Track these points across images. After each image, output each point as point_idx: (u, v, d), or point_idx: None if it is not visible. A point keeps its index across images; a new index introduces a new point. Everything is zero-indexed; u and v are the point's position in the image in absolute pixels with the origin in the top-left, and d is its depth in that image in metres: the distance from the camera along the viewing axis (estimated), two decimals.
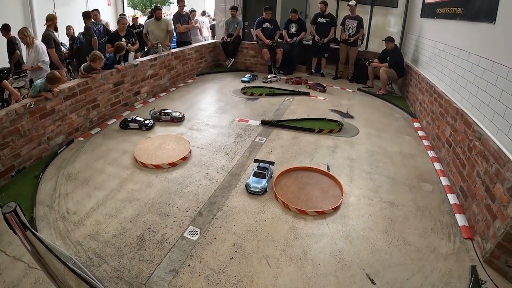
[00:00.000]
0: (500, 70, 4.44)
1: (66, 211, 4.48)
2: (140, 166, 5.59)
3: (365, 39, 11.71)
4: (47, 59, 7.71)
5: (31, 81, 7.20)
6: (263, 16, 11.35)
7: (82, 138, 6.53)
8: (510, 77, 4.17)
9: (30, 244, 2.29)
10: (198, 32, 12.96)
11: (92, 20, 9.96)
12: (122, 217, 4.37)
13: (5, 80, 5.93)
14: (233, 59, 12.32)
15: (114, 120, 7.40)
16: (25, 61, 8.37)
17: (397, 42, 9.93)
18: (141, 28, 10.71)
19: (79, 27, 10.43)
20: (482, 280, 3.59)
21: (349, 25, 10.67)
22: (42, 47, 7.72)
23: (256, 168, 5.22)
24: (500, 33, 4.71)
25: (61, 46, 9.54)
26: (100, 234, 4.08)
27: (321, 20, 11.00)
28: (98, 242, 3.96)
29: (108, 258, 3.74)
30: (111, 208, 4.57)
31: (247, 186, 4.94)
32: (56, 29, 8.73)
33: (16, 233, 2.22)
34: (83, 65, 7.09)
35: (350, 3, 10.45)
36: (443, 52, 6.94)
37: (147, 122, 6.92)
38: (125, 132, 6.80)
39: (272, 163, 5.35)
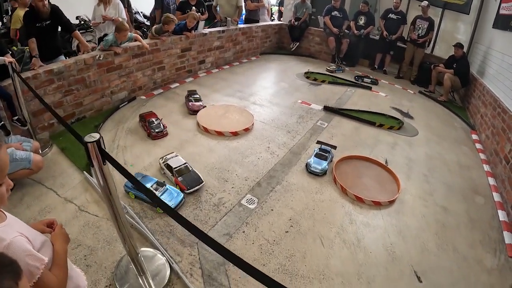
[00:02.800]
0: None
1: (124, 162, 4.74)
2: (202, 130, 5.79)
3: (432, 43, 11.51)
4: (125, 16, 7.93)
5: (100, 39, 7.40)
6: (333, 3, 11.26)
7: (144, 97, 6.77)
8: None
9: (104, 178, 2.38)
10: (266, 12, 12.96)
11: None
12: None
13: (76, 31, 6.15)
14: (298, 43, 12.31)
15: (177, 84, 7.60)
16: (91, 18, 8.62)
17: (464, 50, 9.72)
18: (212, 1, 10.83)
19: None
20: None
21: (420, 26, 10.44)
22: (120, 5, 7.93)
23: (318, 150, 5.34)
24: None
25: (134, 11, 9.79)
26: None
27: (391, 16, 10.83)
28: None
29: (162, 212, 3.91)
30: None
31: (307, 166, 5.07)
32: None
33: (92, 165, 2.29)
34: (154, 27, 7.31)
35: (422, 3, 10.21)
36: None
37: None
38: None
39: (335, 147, 5.49)
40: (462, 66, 9.22)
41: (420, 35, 10.49)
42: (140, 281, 3.07)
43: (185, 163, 4.62)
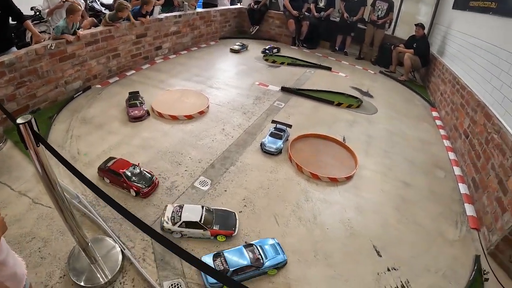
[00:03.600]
0: None
1: (77, 152, 4.55)
2: (157, 115, 5.63)
3: (392, 24, 11.53)
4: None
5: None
6: None
7: (99, 86, 6.55)
8: None
9: (40, 163, 2.26)
10: None
11: None
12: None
13: (28, 21, 5.86)
14: (258, 27, 12.18)
15: (133, 71, 7.40)
16: (42, 7, 8.30)
17: (425, 31, 9.78)
18: None
19: None
20: (485, 271, 3.61)
21: (379, 7, 10.44)
22: None
23: (273, 129, 5.25)
24: None
25: None
26: None
27: None
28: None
29: (115, 199, 3.70)
30: (123, 152, 4.62)
31: (262, 145, 4.98)
32: None
33: (27, 147, 2.18)
34: (108, 13, 7.05)
35: None
36: (471, 45, 6.85)
37: None
38: (144, 84, 6.82)
39: (290, 126, 5.40)
40: (422, 46, 9.27)
41: (379, 16, 10.49)
42: (94, 269, 3.02)
43: (202, 206, 3.68)
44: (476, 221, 4.29)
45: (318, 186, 4.42)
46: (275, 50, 10.00)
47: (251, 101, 6.60)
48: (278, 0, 12.23)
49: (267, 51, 9.86)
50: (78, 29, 6.16)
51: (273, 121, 5.51)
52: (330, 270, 3.35)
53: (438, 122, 7.05)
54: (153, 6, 7.98)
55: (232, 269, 3.07)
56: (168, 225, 3.43)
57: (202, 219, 3.47)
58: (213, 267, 3.03)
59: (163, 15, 8.45)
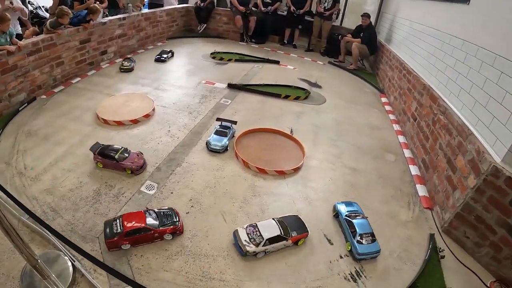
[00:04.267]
0: (470, 48, 4.54)
1: (24, 167, 4.35)
2: (102, 123, 5.46)
3: (340, 15, 11.64)
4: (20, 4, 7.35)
5: None
6: None
7: (44, 96, 6.29)
8: (479, 55, 4.25)
9: None
10: None
11: None
12: (80, 172, 4.29)
13: None
14: (205, 25, 12.07)
15: (79, 78, 7.18)
16: None
17: (372, 20, 9.92)
18: None
19: None
20: (440, 248, 3.66)
21: None
22: None
23: (218, 127, 5.19)
24: (472, 13, 4.81)
25: (29, 5, 9.20)
26: (56, 189, 4.00)
27: None
28: (54, 196, 3.88)
29: (63, 212, 3.67)
30: (69, 163, 4.47)
31: (207, 144, 4.91)
32: None
33: None
34: (49, 20, 6.80)
35: None
36: (416, 31, 7.04)
37: None
38: (90, 91, 6.60)
39: (235, 123, 5.33)
40: (369, 35, 9.44)
41: (326, 8, 10.55)
42: (47, 284, 2.87)
43: (273, 219, 3.63)
44: (429, 201, 4.38)
45: (265, 180, 4.39)
46: (168, 55, 9.09)
47: (197, 100, 6.50)
48: None
49: (162, 58, 8.81)
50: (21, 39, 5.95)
51: (218, 119, 5.45)
52: (281, 263, 3.31)
53: (388, 108, 7.16)
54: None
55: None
56: (252, 248, 3.30)
57: (281, 231, 3.43)
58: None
59: (107, 19, 8.24)
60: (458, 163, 3.96)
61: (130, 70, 7.83)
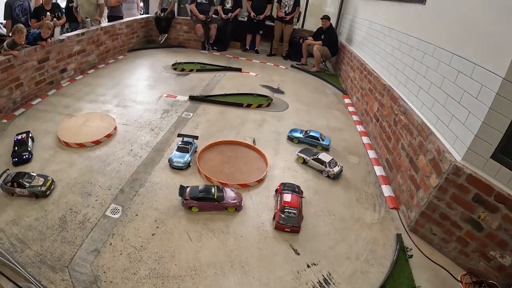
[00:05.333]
0: (427, 48, 4.63)
1: None
2: (63, 145, 5.30)
3: (301, 18, 11.73)
4: None
5: None
6: None
7: (5, 120, 6.11)
8: (436, 55, 4.34)
9: None
10: (135, 6, 12.54)
11: None
12: (44, 200, 4.16)
13: None
14: (166, 35, 11.97)
15: (39, 99, 7.03)
16: None
17: (333, 22, 10.08)
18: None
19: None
20: (408, 248, 3.71)
21: (286, 3, 10.59)
22: None
23: (180, 143, 5.13)
24: (429, 13, 4.91)
25: None
26: (22, 219, 3.89)
27: None
28: (20, 227, 3.76)
29: (31, 242, 3.58)
30: None
31: (170, 161, 4.85)
32: None
33: None
34: (6, 41, 6.68)
35: None
36: (375, 31, 7.15)
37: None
38: (49, 112, 6.43)
39: (196, 138, 5.28)
40: (330, 36, 9.59)
41: (287, 12, 10.62)
42: None
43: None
44: (394, 201, 4.44)
45: None
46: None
47: (159, 115, 6.40)
48: (186, 5, 12.11)
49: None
50: None
51: (179, 135, 5.38)
52: (248, 277, 3.30)
53: (351, 109, 7.25)
54: (54, 27, 7.66)
55: None
56: None
57: None
58: None
59: (65, 35, 8.10)
60: (420, 163, 4.04)
61: None
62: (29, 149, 4.92)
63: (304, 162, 5.08)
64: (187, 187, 4.18)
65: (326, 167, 4.82)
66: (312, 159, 4.99)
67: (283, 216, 3.85)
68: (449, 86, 3.91)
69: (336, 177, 4.76)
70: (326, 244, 3.68)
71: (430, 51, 4.51)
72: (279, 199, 4.11)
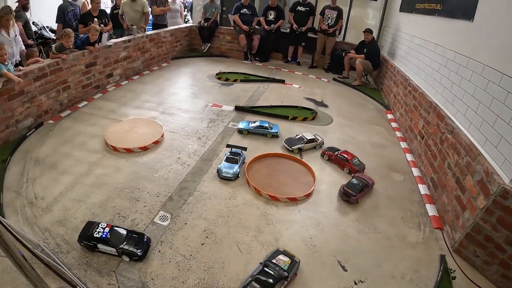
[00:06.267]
0: (475, 66, 4.53)
1: (34, 197, 4.32)
2: (111, 149, 5.43)
3: (343, 30, 11.71)
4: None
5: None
6: (241, 1, 11.21)
7: (51, 121, 6.31)
8: (485, 74, 4.25)
9: None
10: (179, 15, 12.74)
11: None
12: (91, 202, 4.25)
13: None
14: (209, 44, 12.15)
15: (85, 102, 7.21)
16: None
17: (374, 35, 9.98)
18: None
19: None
20: (451, 269, 3.66)
21: (329, 15, 10.62)
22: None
23: (229, 153, 5.18)
24: (477, 31, 4.80)
25: (33, 25, 9.25)
26: (68, 220, 3.96)
27: (300, 8, 10.92)
28: (66, 228, 3.84)
29: (77, 244, 3.61)
30: (79, 193, 4.43)
31: (218, 171, 4.89)
32: (25, 8, 8.37)
33: None
34: (54, 45, 6.87)
35: None
36: (420, 47, 7.04)
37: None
38: (95, 116, 6.60)
39: (245, 149, 5.32)
40: (372, 50, 9.50)
41: (329, 24, 10.64)
42: None
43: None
44: (439, 221, 4.37)
45: (277, 207, 4.37)
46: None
47: (205, 124, 6.47)
48: (228, 15, 12.24)
49: None
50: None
51: (228, 145, 5.41)
52: None
53: (394, 124, 7.17)
54: (101, 33, 7.85)
55: None
56: None
57: None
58: None
59: (111, 41, 8.30)
60: (467, 183, 3.97)
61: None
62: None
63: (300, 150, 5.67)
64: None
65: (317, 141, 5.81)
66: (305, 143, 5.71)
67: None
68: (498, 107, 3.86)
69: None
70: (372, 262, 3.66)
71: (478, 70, 4.44)
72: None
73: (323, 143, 5.95)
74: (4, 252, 2.30)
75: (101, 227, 3.62)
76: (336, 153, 5.51)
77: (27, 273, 2.44)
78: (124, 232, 3.65)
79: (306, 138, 5.77)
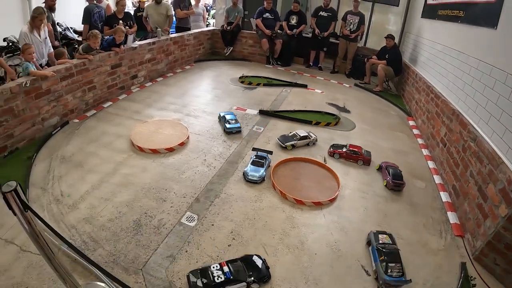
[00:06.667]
0: (499, 75, 4.53)
1: (60, 194, 4.44)
2: (137, 150, 5.55)
3: (364, 36, 11.70)
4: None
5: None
6: (264, 6, 11.28)
7: (77, 120, 6.46)
8: (509, 82, 4.25)
9: (29, 225, 2.25)
10: (201, 18, 12.86)
11: (94, 1, 9.74)
12: (118, 201, 4.36)
13: (0, 58, 5.85)
14: (232, 48, 12.24)
15: (110, 103, 7.35)
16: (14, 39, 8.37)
17: (396, 40, 9.94)
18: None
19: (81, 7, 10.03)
20: (471, 276, 3.68)
21: (351, 21, 10.65)
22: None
23: (254, 157, 5.25)
24: (501, 39, 4.78)
25: (58, 26, 9.40)
26: (95, 218, 4.06)
27: (322, 13, 10.96)
28: (93, 226, 3.94)
29: (104, 242, 3.72)
30: (106, 192, 4.54)
31: (245, 174, 4.97)
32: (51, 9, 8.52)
33: (15, 214, 2.16)
34: (81, 45, 7.03)
35: None
36: (442, 53, 7.00)
37: None
38: (120, 116, 6.75)
39: (271, 153, 5.40)
40: (394, 56, 9.47)
41: (351, 30, 10.67)
42: None
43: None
44: (460, 228, 4.39)
45: (303, 211, 4.42)
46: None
47: None
48: (250, 19, 12.32)
49: None
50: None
51: (254, 149, 5.51)
52: None
53: (416, 131, 7.17)
54: (126, 35, 7.99)
55: None
56: None
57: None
58: None
59: (136, 43, 8.44)
60: (489, 192, 3.98)
61: None
62: None
63: (293, 146, 5.93)
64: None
65: (310, 138, 6.08)
66: (298, 140, 5.99)
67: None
68: None
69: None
70: None
71: (502, 78, 4.43)
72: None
73: (316, 140, 6.19)
74: (35, 244, 2.39)
75: (216, 269, 3.37)
76: (345, 149, 5.79)
77: (56, 267, 2.52)
78: (238, 262, 3.52)
79: (300, 135, 6.03)
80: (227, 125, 6.27)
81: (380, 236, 3.89)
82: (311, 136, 6.10)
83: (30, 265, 3.42)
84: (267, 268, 3.50)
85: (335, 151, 5.75)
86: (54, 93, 5.98)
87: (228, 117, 6.51)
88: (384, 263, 3.50)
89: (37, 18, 6.55)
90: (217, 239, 3.89)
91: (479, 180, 4.27)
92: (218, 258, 3.63)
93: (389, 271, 3.45)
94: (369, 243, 3.93)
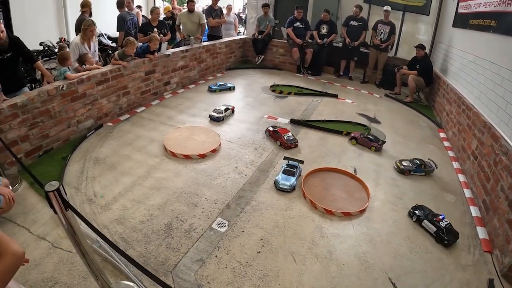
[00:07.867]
0: None
1: (93, 194, 4.61)
2: (169, 155, 5.69)
3: (394, 46, 11.66)
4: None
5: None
6: (295, 15, 11.36)
7: (111, 124, 6.65)
8: None
9: (68, 223, 2.36)
10: (233, 27, 13.03)
11: (126, 9, 9.98)
12: (150, 204, 4.48)
13: (38, 61, 6.08)
14: (263, 56, 12.36)
15: (143, 108, 7.52)
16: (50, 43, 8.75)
17: (426, 50, 9.85)
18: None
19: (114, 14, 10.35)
20: None
21: (382, 30, 10.63)
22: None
23: (286, 166, 5.31)
24: None
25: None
26: (127, 219, 4.18)
27: (353, 23, 10.99)
28: (124, 227, 4.06)
29: (135, 243, 3.83)
30: (138, 194, 4.68)
31: (276, 183, 5.03)
32: (90, 15, 8.76)
33: (56, 212, 2.28)
34: (117, 52, 7.22)
35: (385, 8, 10.44)
36: (473, 64, 6.91)
37: None
38: (153, 121, 6.93)
39: (302, 162, 5.44)
40: (425, 66, 9.40)
41: (382, 39, 10.66)
42: None
43: None
44: (489, 244, 4.32)
45: (332, 221, 4.45)
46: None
47: (261, 136, 6.62)
48: (281, 28, 12.41)
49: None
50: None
51: (285, 158, 5.55)
52: None
53: (446, 144, 7.09)
54: (160, 43, 8.15)
55: None
56: None
57: None
58: None
59: (170, 51, 8.61)
60: None
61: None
62: None
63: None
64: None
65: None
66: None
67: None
68: None
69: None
70: (422, 282, 3.67)
71: None
72: None
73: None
74: (72, 241, 2.50)
75: None
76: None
77: (90, 264, 2.63)
78: None
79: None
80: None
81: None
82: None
83: (61, 262, 3.54)
84: None
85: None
86: (90, 97, 6.20)
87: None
88: None
89: (87, 29, 6.81)
90: (246, 245, 3.96)
91: (510, 195, 4.19)
92: (247, 264, 3.70)
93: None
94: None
